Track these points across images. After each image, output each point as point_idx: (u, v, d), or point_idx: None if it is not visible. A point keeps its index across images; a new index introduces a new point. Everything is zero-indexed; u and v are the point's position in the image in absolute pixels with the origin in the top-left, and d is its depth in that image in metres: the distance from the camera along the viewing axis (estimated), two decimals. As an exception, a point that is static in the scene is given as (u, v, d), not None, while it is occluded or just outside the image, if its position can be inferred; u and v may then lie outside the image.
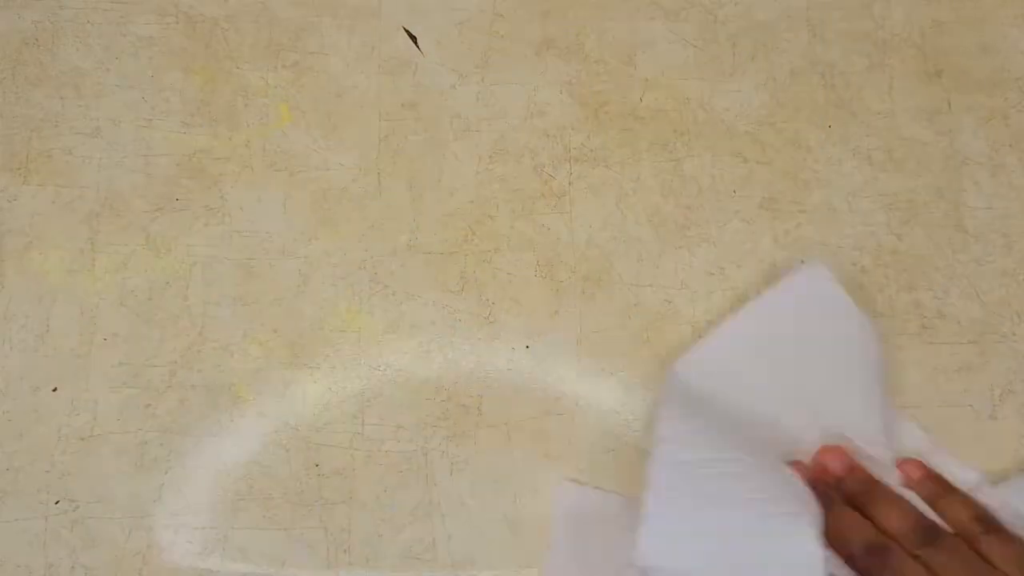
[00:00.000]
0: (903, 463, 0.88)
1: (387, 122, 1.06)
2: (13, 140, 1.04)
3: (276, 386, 0.97)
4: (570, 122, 1.07)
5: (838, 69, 1.11)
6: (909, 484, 0.86)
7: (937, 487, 0.86)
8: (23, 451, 0.94)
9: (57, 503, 0.92)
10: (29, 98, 1.06)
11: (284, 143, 1.05)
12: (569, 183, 1.05)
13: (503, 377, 0.97)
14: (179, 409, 0.95)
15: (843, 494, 0.84)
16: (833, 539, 0.77)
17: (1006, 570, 0.75)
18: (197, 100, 1.06)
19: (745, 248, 1.03)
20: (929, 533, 0.80)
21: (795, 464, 0.86)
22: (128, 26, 1.09)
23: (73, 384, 0.96)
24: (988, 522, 0.81)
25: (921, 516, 0.82)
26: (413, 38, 1.10)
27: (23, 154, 1.04)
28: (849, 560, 0.78)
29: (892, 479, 0.86)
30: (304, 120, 1.07)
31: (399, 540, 0.92)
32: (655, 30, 1.11)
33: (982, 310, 1.02)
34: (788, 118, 1.08)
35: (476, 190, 1.04)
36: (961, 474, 0.89)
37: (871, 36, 1.12)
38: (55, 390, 0.96)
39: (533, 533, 0.93)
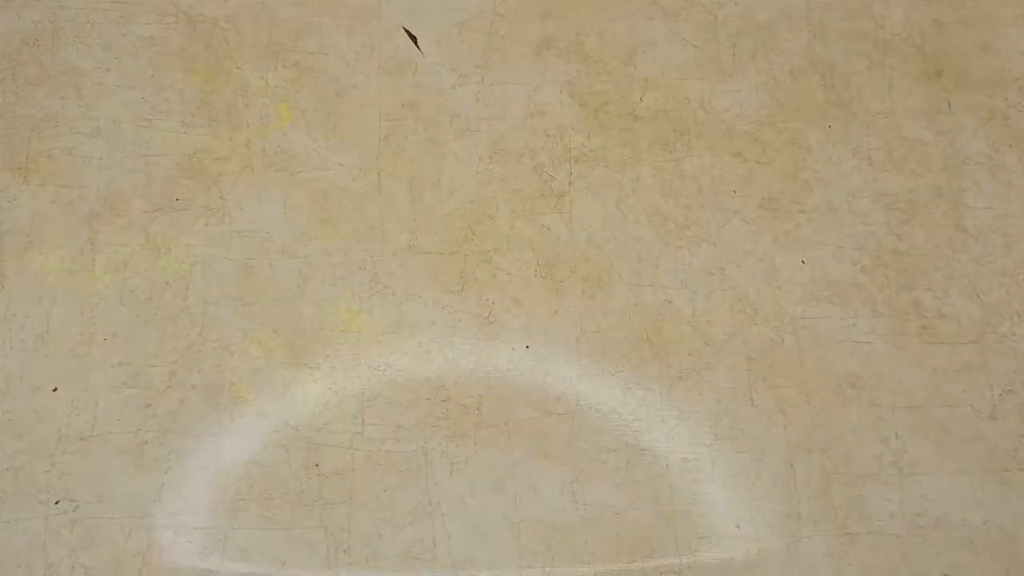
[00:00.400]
0: None
1: (387, 122, 1.06)
2: (13, 140, 1.04)
3: (276, 386, 0.97)
4: (570, 122, 1.07)
5: (838, 69, 1.11)
6: None
7: None
8: (23, 451, 0.94)
9: (57, 503, 0.92)
10: (29, 98, 1.06)
11: (284, 143, 1.05)
12: (569, 183, 1.05)
13: (503, 377, 0.97)
14: (179, 409, 0.95)
15: None
16: None
17: None
18: (197, 100, 1.06)
19: (745, 248, 1.03)
20: None
21: None
22: (128, 26, 1.09)
23: (73, 384, 0.96)
24: None
25: None
26: (413, 38, 1.10)
27: (23, 154, 1.04)
28: None
29: None
30: (304, 120, 1.07)
31: (399, 540, 0.92)
32: (655, 30, 1.11)
33: (982, 310, 1.02)
34: (788, 118, 1.08)
35: (476, 190, 1.04)
36: None
37: (871, 36, 1.12)
38: (55, 390, 0.96)
39: (533, 533, 0.93)
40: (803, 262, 1.02)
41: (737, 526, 0.93)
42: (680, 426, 0.96)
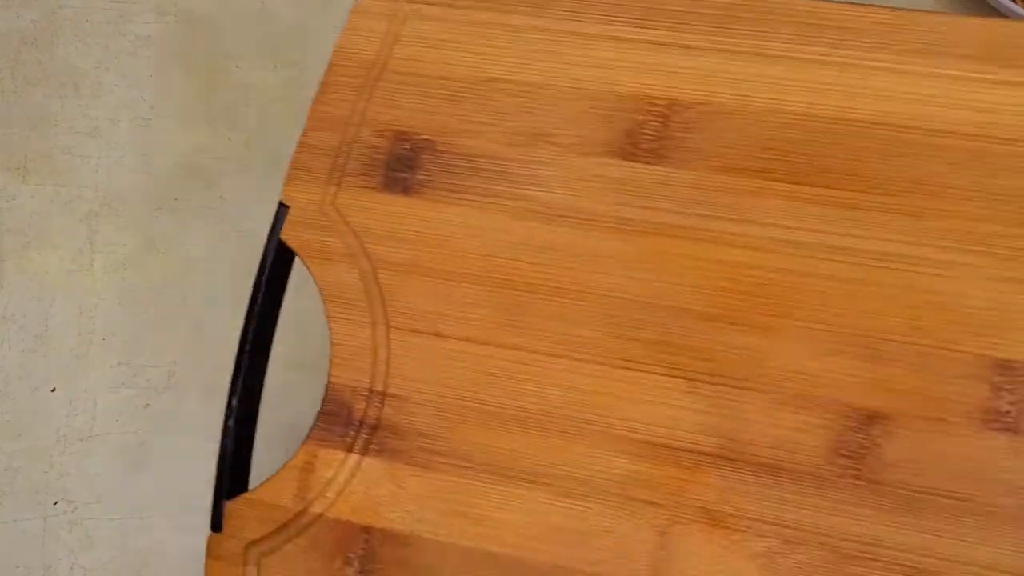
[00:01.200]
0: None
1: (387, 122, 1.07)
2: (12, 140, 1.04)
3: (276, 386, 0.97)
4: (570, 123, 1.07)
5: (836, 71, 1.11)
6: None
7: None
8: (22, 451, 0.94)
9: (56, 503, 0.92)
10: (28, 97, 1.06)
11: (284, 143, 1.05)
12: (569, 184, 1.05)
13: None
14: (179, 409, 0.95)
15: None
16: None
17: None
18: (197, 100, 1.06)
19: (744, 249, 1.04)
20: None
21: None
22: (127, 25, 1.09)
23: (72, 384, 0.96)
24: None
25: None
26: (413, 39, 1.10)
27: (22, 154, 1.03)
28: None
29: None
30: (304, 120, 1.06)
31: (399, 540, 0.92)
32: (654, 32, 1.11)
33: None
34: (787, 120, 1.09)
35: (476, 191, 1.04)
36: None
37: (869, 38, 1.13)
38: (54, 390, 0.96)
39: (533, 533, 0.93)
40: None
41: (737, 526, 0.94)
42: (680, 426, 0.97)
